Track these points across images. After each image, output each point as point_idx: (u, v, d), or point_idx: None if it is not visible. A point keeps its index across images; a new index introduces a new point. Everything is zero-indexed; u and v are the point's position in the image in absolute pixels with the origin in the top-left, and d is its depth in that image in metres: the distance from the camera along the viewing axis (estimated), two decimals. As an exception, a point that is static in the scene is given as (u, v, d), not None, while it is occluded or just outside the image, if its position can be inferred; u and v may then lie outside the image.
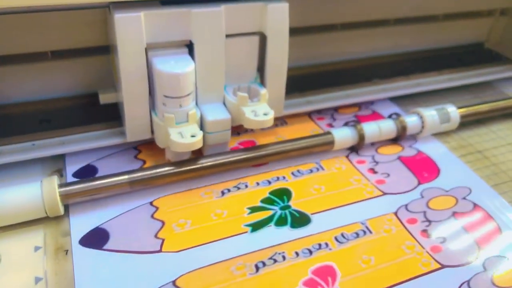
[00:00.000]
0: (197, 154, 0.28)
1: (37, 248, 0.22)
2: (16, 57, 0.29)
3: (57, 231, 0.23)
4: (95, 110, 0.30)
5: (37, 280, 0.21)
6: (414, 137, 0.32)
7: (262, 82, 0.29)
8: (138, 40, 0.24)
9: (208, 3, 0.25)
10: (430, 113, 0.31)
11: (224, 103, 0.28)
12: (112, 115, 0.30)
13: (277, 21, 0.26)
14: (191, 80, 0.24)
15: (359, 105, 0.35)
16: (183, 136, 0.24)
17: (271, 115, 0.26)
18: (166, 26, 0.24)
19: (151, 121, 0.26)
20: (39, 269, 0.21)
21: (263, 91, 0.27)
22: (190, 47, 0.26)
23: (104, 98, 0.29)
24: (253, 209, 0.25)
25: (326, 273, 0.22)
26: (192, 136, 0.24)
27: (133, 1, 0.23)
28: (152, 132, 0.27)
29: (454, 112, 0.32)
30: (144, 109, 0.26)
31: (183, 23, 0.25)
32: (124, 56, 0.24)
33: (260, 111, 0.26)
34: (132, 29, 0.24)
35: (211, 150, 0.27)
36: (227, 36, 0.26)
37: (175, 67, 0.24)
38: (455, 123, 0.32)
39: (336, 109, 0.34)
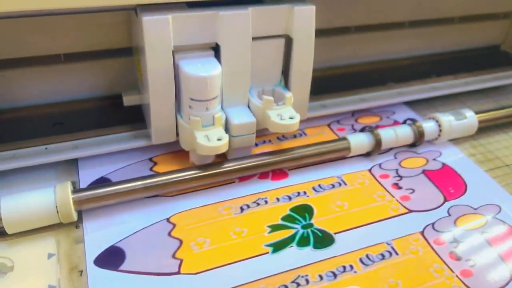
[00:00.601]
0: (221, 157, 0.27)
1: (50, 255, 0.22)
2: (29, 60, 0.29)
3: (70, 238, 0.23)
4: (106, 115, 0.30)
5: None
6: (432, 144, 0.31)
7: (286, 85, 0.28)
8: (165, 42, 0.24)
9: (235, 5, 0.25)
10: (448, 119, 0.31)
11: (248, 106, 0.27)
12: (130, 118, 0.29)
13: (304, 23, 0.26)
14: (218, 83, 0.24)
15: (380, 116, 0.34)
16: (210, 139, 0.24)
17: (297, 118, 0.26)
18: (193, 29, 0.24)
19: (176, 123, 0.26)
20: (52, 277, 0.21)
21: (289, 94, 0.27)
22: (216, 50, 0.25)
23: (128, 100, 0.29)
24: (274, 228, 0.24)
25: (352, 298, 0.21)
26: (218, 139, 0.24)
27: (161, 3, 0.23)
28: (177, 134, 0.26)
29: (472, 117, 0.31)
30: (170, 112, 0.26)
31: (210, 26, 0.24)
32: (152, 58, 0.24)
33: (285, 115, 0.26)
34: (159, 31, 0.23)
35: (235, 153, 0.27)
36: (253, 38, 0.25)
37: (202, 70, 0.24)
38: (473, 129, 0.31)
39: (356, 119, 0.33)
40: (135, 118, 0.29)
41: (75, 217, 0.23)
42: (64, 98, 0.31)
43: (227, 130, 0.26)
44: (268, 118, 0.26)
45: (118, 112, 0.30)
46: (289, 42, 0.27)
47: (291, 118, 0.26)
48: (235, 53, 0.25)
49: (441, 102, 0.36)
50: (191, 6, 0.24)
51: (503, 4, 0.42)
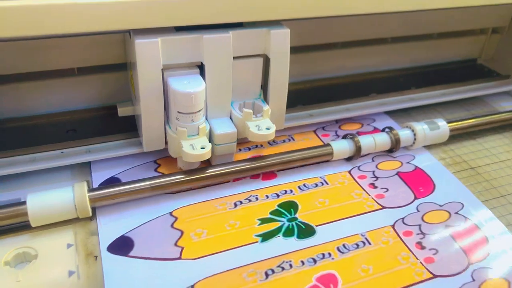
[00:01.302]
0: (206, 163, 0.30)
1: (69, 246, 0.25)
2: (46, 73, 0.32)
3: (86, 231, 0.26)
4: (114, 121, 0.33)
5: (70, 273, 0.23)
6: (407, 149, 0.34)
7: (265, 99, 0.31)
8: (155, 62, 0.26)
9: (218, 29, 0.27)
10: (422, 127, 0.34)
11: (230, 118, 0.30)
12: (130, 126, 0.32)
13: (279, 45, 0.29)
14: (202, 98, 0.27)
15: (361, 123, 0.37)
16: (194, 148, 0.27)
17: (273, 129, 0.29)
18: (180, 50, 0.27)
19: (165, 133, 0.29)
20: (72, 264, 0.24)
21: (266, 107, 0.30)
22: (200, 68, 0.28)
23: (122, 111, 0.32)
24: (263, 221, 0.27)
25: (329, 280, 0.24)
26: (202, 148, 0.27)
27: (151, 28, 0.26)
28: (166, 143, 0.29)
29: (444, 126, 0.35)
30: (160, 123, 0.28)
31: (195, 47, 0.27)
32: (143, 75, 0.26)
33: (263, 126, 0.29)
34: (150, 52, 0.26)
35: (218, 160, 0.30)
36: (235, 58, 0.28)
37: (188, 86, 0.26)
38: (445, 137, 0.35)
39: (339, 126, 0.36)
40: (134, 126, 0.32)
41: (90, 212, 0.26)
42: (76, 107, 0.34)
43: (210, 139, 0.29)
44: (248, 129, 0.29)
45: (120, 121, 0.33)
46: (267, 60, 0.29)
47: (267, 128, 0.29)
48: (218, 71, 0.28)
49: (418, 112, 0.39)
50: (178, 29, 0.27)
51: (479, 21, 0.45)
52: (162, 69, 0.27)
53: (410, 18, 0.42)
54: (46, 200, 0.25)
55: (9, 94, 0.32)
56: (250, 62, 0.29)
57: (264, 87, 0.31)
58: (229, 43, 0.27)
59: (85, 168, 0.30)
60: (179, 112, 0.27)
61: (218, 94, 0.29)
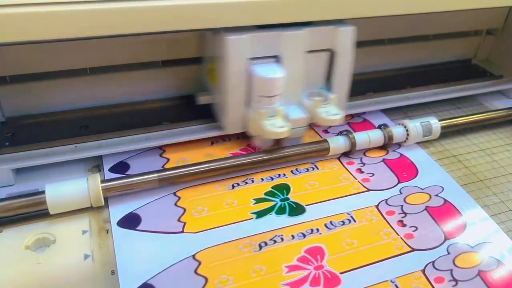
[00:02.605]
0: (278, 144, 0.33)
1: (84, 232, 0.27)
2: (62, 73, 0.34)
3: (99, 218, 0.28)
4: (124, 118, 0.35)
5: (86, 256, 0.25)
6: (400, 145, 0.36)
7: (329, 88, 0.35)
8: (242, 55, 0.30)
9: (293, 27, 0.31)
10: (415, 125, 0.35)
11: (301, 105, 0.34)
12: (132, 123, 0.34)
13: (346, 40, 0.33)
14: (281, 84, 0.30)
15: (351, 114, 0.40)
16: (275, 127, 0.30)
17: (341, 115, 0.32)
18: (262, 45, 0.31)
19: (245, 116, 0.32)
20: (87, 248, 0.26)
21: (333, 95, 0.33)
22: (278, 60, 0.31)
23: (202, 100, 0.35)
24: (258, 200, 0.30)
25: (316, 252, 0.26)
26: (281, 127, 0.31)
27: (239, 26, 0.29)
28: (245, 125, 0.33)
29: (436, 124, 0.36)
30: (242, 107, 0.32)
31: (275, 42, 0.31)
32: (232, 67, 0.30)
33: (331, 112, 0.32)
34: (239, 47, 0.30)
35: (289, 142, 0.33)
36: (306, 52, 0.32)
37: (270, 73, 0.30)
38: (436, 134, 0.36)
39: (310, 124, 0.38)
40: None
41: (103, 202, 0.28)
42: (89, 104, 0.36)
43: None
44: (318, 115, 0.32)
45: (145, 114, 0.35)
46: (332, 54, 0.33)
47: (335, 114, 0.32)
48: (292, 63, 0.32)
49: (414, 110, 0.41)
50: (260, 28, 0.30)
51: (474, 23, 0.46)
52: (247, 61, 0.30)
53: (408, 20, 0.43)
54: (63, 189, 0.27)
55: (25, 93, 0.34)
56: (318, 56, 0.33)
57: (328, 77, 0.34)
58: (303, 39, 0.31)
59: (97, 158, 0.32)
60: (261, 96, 0.30)
61: (291, 84, 0.32)
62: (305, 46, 0.32)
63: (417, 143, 0.37)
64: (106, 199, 0.29)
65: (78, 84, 0.35)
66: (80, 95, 0.35)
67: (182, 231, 0.27)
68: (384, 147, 0.36)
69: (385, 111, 0.40)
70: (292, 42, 0.31)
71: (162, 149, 0.34)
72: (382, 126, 0.35)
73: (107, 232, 0.27)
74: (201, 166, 0.31)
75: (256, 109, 0.31)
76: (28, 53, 0.32)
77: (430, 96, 0.41)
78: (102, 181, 0.28)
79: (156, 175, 0.29)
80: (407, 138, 0.36)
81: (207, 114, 0.35)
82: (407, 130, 0.35)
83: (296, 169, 0.33)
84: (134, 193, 0.29)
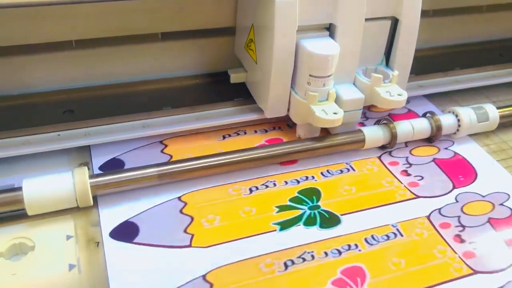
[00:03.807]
0: (325, 132, 0.33)
1: (68, 237, 0.26)
2: (42, 46, 0.33)
3: (86, 221, 0.27)
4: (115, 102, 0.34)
5: (71, 267, 0.24)
6: (450, 138, 0.35)
7: (388, 65, 0.34)
8: (292, 22, 0.29)
9: None
10: (467, 113, 0.34)
11: (354, 84, 0.33)
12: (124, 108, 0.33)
13: (412, 5, 0.31)
14: (336, 62, 0.29)
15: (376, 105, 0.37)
16: (327, 113, 0.29)
17: (405, 96, 0.31)
18: (314, 10, 0.30)
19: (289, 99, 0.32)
20: (72, 257, 0.25)
21: (396, 73, 0.32)
22: (329, 30, 0.31)
23: (235, 78, 0.35)
24: (282, 208, 0.28)
25: (355, 273, 0.25)
26: (334, 113, 0.30)
27: None
28: (288, 109, 0.32)
29: (493, 112, 0.35)
30: (287, 88, 0.31)
31: (329, 7, 0.30)
32: (279, 37, 0.29)
33: (394, 92, 0.31)
34: (289, 12, 0.29)
35: (340, 128, 0.32)
36: (365, 19, 0.31)
37: (324, 49, 0.29)
38: (494, 124, 0.35)
39: (368, 107, 0.37)
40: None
41: (91, 201, 0.27)
42: (74, 84, 0.35)
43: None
44: (378, 95, 0.31)
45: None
46: (395, 23, 0.32)
47: (399, 95, 0.31)
48: (349, 33, 0.31)
49: (462, 96, 0.39)
50: None
51: None
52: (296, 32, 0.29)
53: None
54: (43, 186, 0.26)
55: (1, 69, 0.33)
56: (378, 25, 0.32)
57: (388, 52, 0.33)
58: (363, 2, 0.30)
59: (85, 153, 0.31)
60: (311, 75, 0.29)
61: (346, 58, 0.31)
62: (365, 12, 0.30)
63: (472, 137, 0.35)
64: (95, 198, 0.27)
65: (61, 60, 0.34)
66: (64, 73, 0.34)
67: (190, 245, 0.26)
68: (430, 139, 0.34)
69: (430, 97, 0.39)
70: (350, 6, 0.30)
71: (163, 143, 0.32)
72: (428, 114, 0.34)
73: (97, 246, 0.25)
74: (211, 160, 0.29)
75: (303, 91, 0.30)
76: (0, 21, 0.31)
77: (484, 80, 0.40)
78: (91, 176, 0.27)
79: (155, 169, 0.28)
80: (458, 129, 0.34)
81: (217, 97, 0.35)
82: (458, 119, 0.34)
83: (328, 171, 0.31)
84: (129, 196, 0.28)
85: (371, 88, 0.32)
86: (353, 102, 0.31)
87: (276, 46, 0.29)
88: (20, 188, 0.26)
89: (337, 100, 0.31)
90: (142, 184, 0.28)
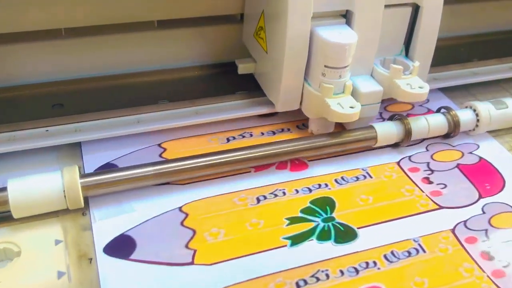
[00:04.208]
0: (339, 127, 0.32)
1: (57, 242, 0.25)
2: (29, 35, 0.32)
3: (77, 224, 0.26)
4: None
5: (60, 274, 0.23)
6: (468, 134, 0.34)
7: (407, 55, 0.33)
8: (307, 9, 0.28)
9: None
10: (487, 107, 0.33)
11: (371, 75, 0.32)
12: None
13: None
14: (353, 51, 0.29)
15: (412, 103, 0.36)
16: (343, 107, 0.29)
17: (427, 88, 0.30)
18: None
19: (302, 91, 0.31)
20: (61, 263, 0.24)
21: (417, 64, 0.32)
22: (346, 17, 0.30)
23: (243, 69, 0.34)
24: (293, 220, 0.27)
25: (375, 295, 0.23)
26: (351, 107, 0.29)
27: None
28: (300, 103, 0.32)
29: None
30: (300, 79, 0.31)
31: None
32: (293, 25, 0.28)
33: (414, 84, 0.31)
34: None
35: (356, 123, 0.31)
36: (385, 6, 0.30)
37: (341, 37, 0.28)
38: None
39: (385, 106, 0.35)
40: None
41: (82, 203, 0.26)
42: (64, 76, 0.34)
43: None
44: (398, 87, 0.30)
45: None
46: (416, 11, 0.31)
47: (420, 87, 0.30)
48: (367, 20, 0.30)
49: (481, 90, 0.38)
50: None
51: None
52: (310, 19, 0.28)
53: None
54: (30, 186, 0.25)
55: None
56: (398, 12, 0.31)
57: (408, 41, 0.33)
58: None
59: (76, 151, 0.30)
60: (326, 66, 0.29)
61: (364, 48, 0.30)
62: None
63: (498, 140, 0.34)
64: (86, 199, 0.27)
65: (50, 50, 0.33)
66: (52, 64, 0.34)
67: (192, 263, 0.24)
68: (448, 136, 0.33)
69: (446, 91, 0.38)
70: None
71: (161, 147, 0.31)
72: (444, 110, 0.33)
73: (90, 262, 0.24)
74: (211, 158, 0.28)
75: (317, 83, 0.29)
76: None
77: (503, 72, 0.39)
78: (82, 176, 0.26)
79: (151, 168, 0.27)
80: (477, 125, 0.33)
81: (222, 90, 0.34)
82: (476, 115, 0.33)
83: (342, 177, 0.30)
84: (125, 205, 0.27)
85: (390, 80, 0.31)
86: (371, 95, 0.31)
87: (289, 35, 0.28)
88: (4, 189, 0.25)
89: (354, 93, 0.30)
90: (137, 184, 0.27)
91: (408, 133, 0.31)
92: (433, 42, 0.33)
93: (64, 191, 0.26)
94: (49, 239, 0.25)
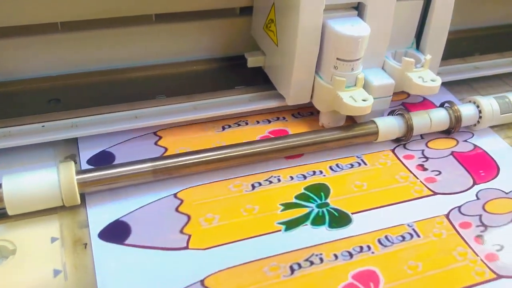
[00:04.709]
0: (350, 121, 0.32)
1: (53, 239, 0.25)
2: (25, 29, 0.32)
3: (73, 221, 0.26)
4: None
5: (56, 273, 0.23)
6: (469, 130, 0.34)
7: (418, 48, 0.33)
8: (319, 1, 0.28)
9: None
10: (489, 102, 0.33)
11: (383, 68, 0.32)
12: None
13: None
14: (366, 44, 0.29)
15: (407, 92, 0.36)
16: (355, 100, 0.29)
17: (439, 81, 0.31)
18: None
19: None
20: (57, 261, 0.24)
21: (428, 57, 0.32)
22: (358, 10, 0.30)
23: (252, 62, 0.34)
24: (287, 206, 0.27)
25: (368, 278, 0.24)
26: (364, 100, 0.29)
27: None
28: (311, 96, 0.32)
29: None
30: (311, 72, 0.31)
31: None
32: (305, 17, 0.28)
33: (427, 77, 0.31)
34: None
35: (367, 116, 0.31)
36: None
37: (354, 30, 0.28)
38: None
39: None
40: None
41: (78, 200, 0.26)
42: (61, 71, 0.34)
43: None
44: (410, 80, 0.31)
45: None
46: (427, 3, 0.32)
47: (432, 80, 0.30)
48: (379, 12, 0.30)
49: (483, 84, 0.38)
50: None
51: None
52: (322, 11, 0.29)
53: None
54: (25, 183, 0.25)
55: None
56: (410, 5, 0.31)
57: (420, 34, 0.33)
58: None
59: (72, 145, 0.30)
60: (338, 59, 0.29)
61: (376, 40, 0.30)
62: None
63: (493, 129, 0.34)
64: (83, 196, 0.26)
65: (46, 44, 0.33)
66: (49, 58, 0.34)
67: (187, 247, 0.25)
68: (449, 131, 0.33)
69: (447, 85, 0.38)
70: None
71: (157, 135, 0.31)
72: (447, 104, 0.33)
73: (85, 247, 0.24)
74: (211, 154, 0.28)
75: (329, 76, 0.29)
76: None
77: (506, 66, 0.39)
78: (78, 172, 0.26)
79: (150, 164, 0.27)
80: (479, 120, 0.33)
81: (228, 84, 0.34)
82: (479, 110, 0.33)
83: (337, 165, 0.30)
84: (121, 193, 0.27)
85: (402, 73, 0.31)
86: (383, 88, 0.31)
87: (301, 27, 0.28)
88: (-1, 185, 0.25)
89: (366, 86, 0.30)
90: (135, 181, 0.27)
91: (409, 128, 0.31)
92: (445, 35, 0.33)
93: (60, 188, 0.25)
94: (45, 237, 0.25)
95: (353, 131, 0.31)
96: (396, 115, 0.32)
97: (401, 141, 0.32)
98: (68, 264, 0.24)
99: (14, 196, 0.25)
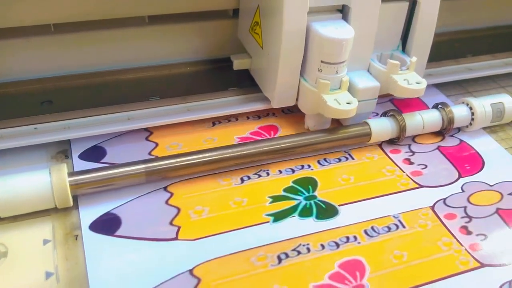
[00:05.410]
0: (336, 124, 0.32)
1: (46, 242, 0.25)
2: (17, 30, 0.32)
3: (66, 223, 0.26)
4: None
5: (48, 275, 0.23)
6: (462, 131, 0.34)
7: (404, 51, 0.33)
8: (303, 3, 0.28)
9: None
10: (482, 105, 0.33)
11: (368, 71, 0.32)
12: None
13: None
14: (350, 47, 0.29)
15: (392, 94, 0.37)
16: (339, 103, 0.29)
17: (424, 84, 0.31)
18: None
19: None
20: (50, 263, 0.24)
21: (413, 59, 0.32)
22: (342, 12, 0.30)
23: (238, 64, 0.34)
24: (275, 198, 0.28)
25: (354, 267, 0.24)
26: (348, 103, 0.29)
27: None
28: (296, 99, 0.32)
29: (510, 103, 0.34)
30: (296, 75, 0.31)
31: None
32: (289, 19, 0.28)
33: (412, 80, 0.31)
34: None
35: (352, 119, 0.31)
36: (382, 0, 0.30)
37: (337, 33, 0.28)
38: (509, 117, 0.34)
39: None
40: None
41: (71, 202, 0.26)
42: (53, 73, 0.34)
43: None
44: (395, 83, 0.31)
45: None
46: (413, 5, 0.32)
47: (418, 83, 0.30)
48: (364, 15, 0.30)
49: (477, 85, 0.39)
50: None
51: None
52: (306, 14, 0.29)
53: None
54: (17, 185, 0.25)
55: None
56: (395, 7, 0.32)
57: (405, 36, 0.33)
58: None
59: (64, 142, 0.30)
60: (323, 62, 0.29)
61: (361, 43, 0.30)
62: None
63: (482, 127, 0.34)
64: (75, 197, 0.27)
65: (39, 46, 0.33)
66: (41, 60, 0.34)
67: (176, 238, 0.25)
68: (441, 132, 0.33)
69: (440, 86, 0.38)
70: None
71: (148, 130, 0.32)
72: (440, 106, 0.33)
73: (76, 239, 0.25)
74: (204, 155, 0.28)
75: (314, 79, 0.29)
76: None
77: (498, 68, 0.39)
78: (70, 174, 0.26)
79: (143, 166, 0.27)
80: (471, 122, 0.33)
81: (215, 86, 0.34)
82: (472, 111, 0.33)
83: (325, 159, 0.31)
84: (112, 189, 0.27)
85: (387, 75, 0.31)
86: (368, 91, 0.31)
87: (285, 30, 0.28)
88: (-10, 187, 0.25)
89: (350, 89, 0.30)
90: (128, 183, 0.27)
91: (402, 130, 0.31)
92: (430, 37, 0.33)
93: (52, 189, 0.25)
94: (37, 239, 0.25)
95: (345, 132, 0.31)
96: (389, 116, 0.32)
97: (393, 142, 0.32)
98: (60, 263, 0.24)
99: (5, 198, 0.25)
